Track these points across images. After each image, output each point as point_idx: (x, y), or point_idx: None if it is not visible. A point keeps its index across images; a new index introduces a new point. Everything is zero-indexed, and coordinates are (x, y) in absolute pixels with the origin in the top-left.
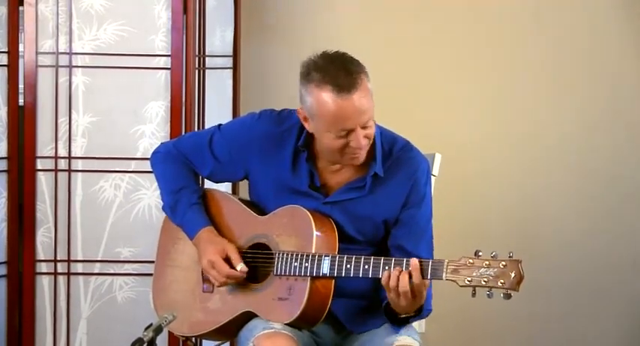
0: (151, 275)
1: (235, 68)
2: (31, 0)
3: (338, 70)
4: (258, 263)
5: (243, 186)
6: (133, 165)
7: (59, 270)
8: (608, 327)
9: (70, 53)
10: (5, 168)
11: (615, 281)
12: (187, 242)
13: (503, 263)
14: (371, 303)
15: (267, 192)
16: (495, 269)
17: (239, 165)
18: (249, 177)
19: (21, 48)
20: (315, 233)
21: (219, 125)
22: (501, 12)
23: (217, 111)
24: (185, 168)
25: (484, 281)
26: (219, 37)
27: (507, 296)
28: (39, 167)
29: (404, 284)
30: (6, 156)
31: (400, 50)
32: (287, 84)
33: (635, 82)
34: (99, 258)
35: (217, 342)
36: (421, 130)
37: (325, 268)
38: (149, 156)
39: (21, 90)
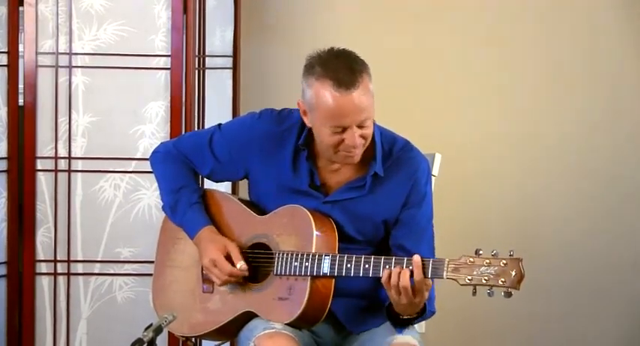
0: (150, 275)
1: (235, 68)
2: (31, 0)
3: (341, 66)
4: (259, 263)
5: (243, 186)
6: (132, 165)
7: (59, 270)
8: (608, 327)
9: (70, 53)
10: (5, 168)
11: (615, 281)
12: (187, 242)
13: (504, 261)
14: (371, 303)
15: (267, 191)
16: (496, 268)
17: (239, 165)
18: (250, 176)
19: (21, 48)
20: (315, 233)
21: (220, 125)
22: (501, 12)
23: (217, 111)
24: (185, 167)
25: (485, 279)
26: (219, 37)
27: (508, 295)
28: (39, 167)
29: (404, 280)
30: (6, 156)
31: (400, 50)
32: (287, 84)
33: (635, 82)
34: (99, 258)
35: (217, 342)
36: (421, 130)
37: (325, 268)
38: (149, 156)
39: (21, 91)
